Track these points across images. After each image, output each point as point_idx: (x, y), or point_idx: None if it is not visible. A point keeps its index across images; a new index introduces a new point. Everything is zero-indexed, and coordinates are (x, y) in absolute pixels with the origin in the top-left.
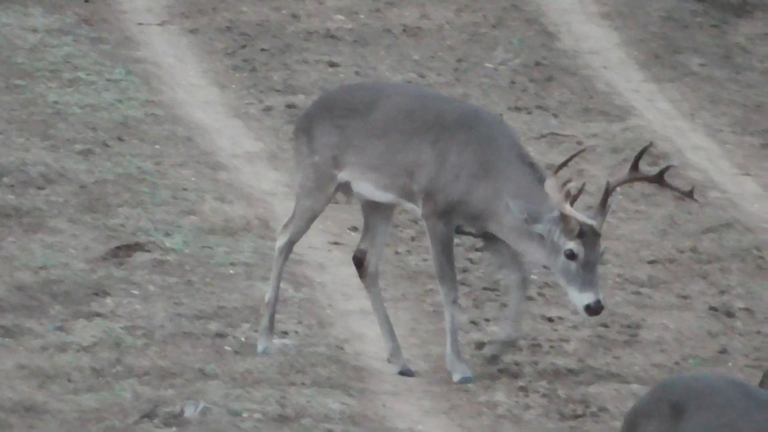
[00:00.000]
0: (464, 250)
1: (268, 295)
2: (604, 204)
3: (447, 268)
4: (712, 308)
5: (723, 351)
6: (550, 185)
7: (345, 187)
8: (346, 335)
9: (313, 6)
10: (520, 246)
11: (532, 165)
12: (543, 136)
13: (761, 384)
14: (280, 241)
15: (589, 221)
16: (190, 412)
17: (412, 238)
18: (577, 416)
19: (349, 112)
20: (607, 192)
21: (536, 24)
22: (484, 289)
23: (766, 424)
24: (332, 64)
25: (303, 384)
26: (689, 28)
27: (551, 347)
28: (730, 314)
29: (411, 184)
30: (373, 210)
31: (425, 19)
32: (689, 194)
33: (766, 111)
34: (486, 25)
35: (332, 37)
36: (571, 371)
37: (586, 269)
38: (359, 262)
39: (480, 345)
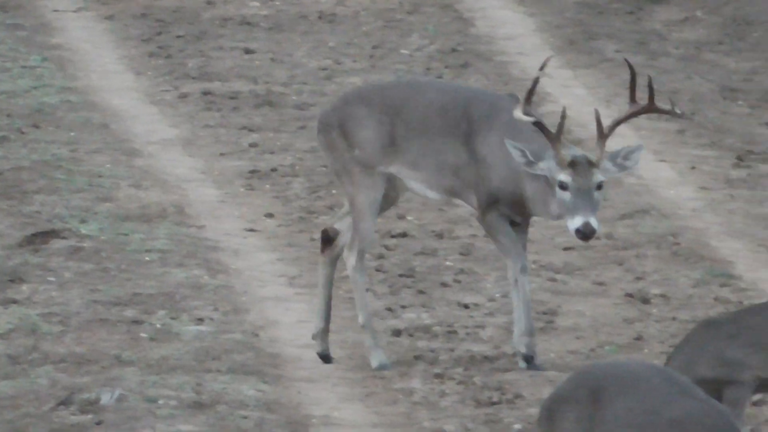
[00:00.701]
0: (380, 237)
1: (361, 319)
2: (600, 133)
3: (509, 246)
4: (628, 295)
5: (639, 338)
6: (518, 114)
7: (396, 180)
8: (262, 322)
9: None
10: (540, 207)
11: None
12: None
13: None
14: (352, 258)
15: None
16: (106, 399)
17: None
18: (493, 403)
19: (388, 108)
20: (598, 119)
21: (451, 10)
22: (400, 275)
23: (689, 410)
24: (248, 51)
25: (219, 371)
26: (605, 14)
27: (467, 334)
28: (645, 301)
29: (456, 182)
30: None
31: (341, 6)
32: (682, 114)
33: (682, 97)
34: (401, 11)
35: (248, 23)
36: (486, 358)
37: (578, 196)
38: (328, 238)
39: (396, 332)
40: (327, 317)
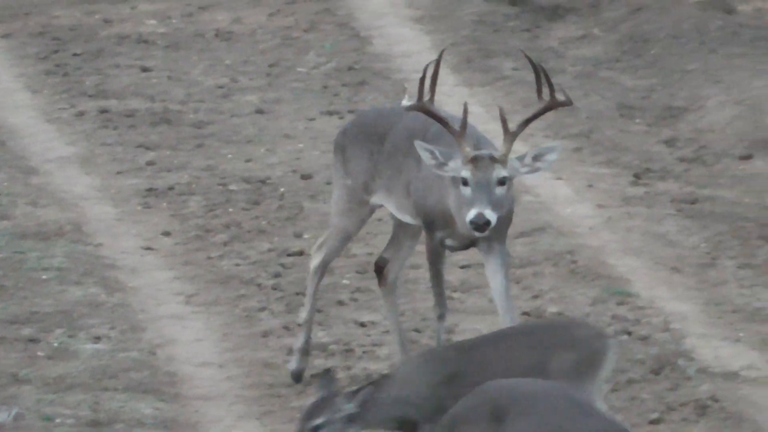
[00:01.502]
0: (276, 256)
1: (303, 316)
2: (506, 130)
3: (434, 283)
4: (525, 313)
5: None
6: (404, 102)
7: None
8: (159, 340)
9: (126, 11)
10: (462, 222)
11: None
12: None
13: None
14: (315, 260)
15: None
16: (3, 417)
17: (225, 243)
18: None
19: (376, 136)
20: (503, 117)
21: (348, 28)
22: (297, 294)
23: (593, 429)
24: (145, 69)
25: (116, 389)
26: (501, 32)
27: (364, 352)
28: (542, 318)
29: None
30: (401, 223)
31: (238, 24)
32: (572, 102)
33: (579, 115)
34: (298, 29)
35: (144, 41)
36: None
37: (476, 190)
38: (380, 269)
39: (292, 351)
40: (403, 347)
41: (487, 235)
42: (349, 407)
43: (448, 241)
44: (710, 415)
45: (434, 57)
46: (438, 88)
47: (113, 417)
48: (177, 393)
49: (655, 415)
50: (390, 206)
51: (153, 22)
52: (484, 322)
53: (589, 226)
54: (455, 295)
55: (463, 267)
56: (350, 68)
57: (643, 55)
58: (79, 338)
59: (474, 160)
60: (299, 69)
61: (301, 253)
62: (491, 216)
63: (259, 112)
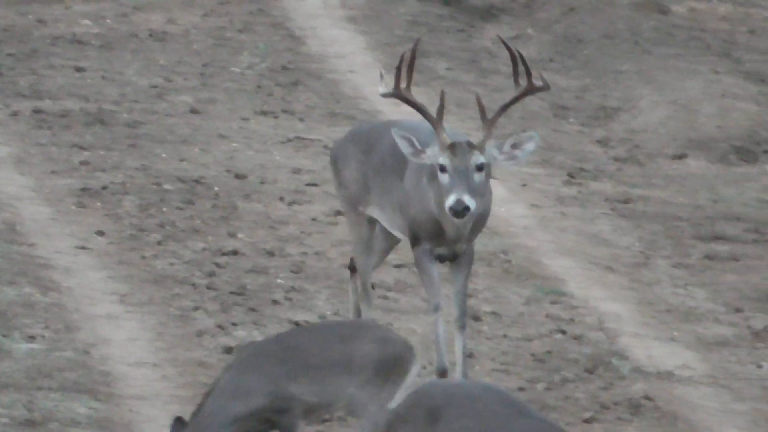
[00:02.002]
0: (211, 255)
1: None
2: (484, 117)
3: (427, 283)
4: None
5: (470, 355)
6: (381, 90)
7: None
8: (93, 339)
9: (60, 11)
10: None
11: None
12: (289, 140)
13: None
14: (356, 280)
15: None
16: None
17: (159, 242)
18: (324, 420)
19: (366, 148)
20: (480, 104)
21: (282, 28)
22: (231, 293)
23: (527, 430)
24: (79, 69)
25: (50, 388)
26: (436, 33)
27: None
28: (476, 318)
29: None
30: (385, 235)
31: (172, 24)
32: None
33: (512, 114)
34: (232, 29)
35: (79, 42)
36: None
37: (455, 176)
38: (353, 269)
39: (227, 349)
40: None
41: (466, 222)
42: None
43: (438, 251)
44: (644, 414)
45: (368, 57)
46: (372, 89)
47: (48, 416)
48: (111, 392)
49: (588, 414)
50: (383, 221)
51: (87, 22)
52: (417, 321)
53: (523, 226)
54: (389, 294)
55: (397, 266)
56: (284, 68)
57: (577, 55)
58: (13, 338)
59: (452, 147)
60: (233, 69)
61: (235, 253)
62: (470, 202)
63: (193, 111)
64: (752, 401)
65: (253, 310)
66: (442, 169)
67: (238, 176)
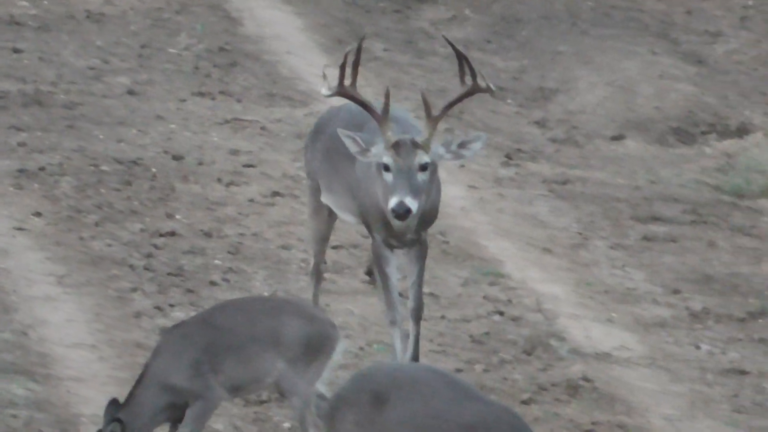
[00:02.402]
0: (149, 236)
1: None
2: (429, 115)
3: (384, 290)
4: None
5: (407, 336)
6: (324, 91)
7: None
8: (31, 321)
9: None
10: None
11: None
12: (227, 122)
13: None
14: (309, 267)
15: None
16: None
17: (97, 223)
18: (262, 402)
19: (322, 135)
20: (426, 101)
21: (219, 10)
22: (169, 274)
23: (479, 414)
24: (16, 50)
25: None
26: (372, 13)
27: None
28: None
29: (355, 204)
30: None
31: (109, 5)
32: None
33: (449, 96)
34: (170, 10)
35: (16, 23)
36: None
37: (398, 177)
38: (370, 272)
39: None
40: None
41: (409, 223)
42: None
43: (392, 241)
44: (582, 395)
45: (305, 38)
46: (309, 69)
47: None
48: (49, 374)
49: (527, 395)
50: (332, 206)
51: (24, 3)
52: (355, 303)
53: (460, 207)
54: (327, 275)
55: (335, 248)
56: (221, 49)
57: (515, 36)
58: None
59: (396, 146)
60: (170, 50)
61: (173, 234)
62: (412, 204)
63: (131, 93)
64: (690, 382)
65: (190, 291)
66: (386, 168)
67: (175, 157)
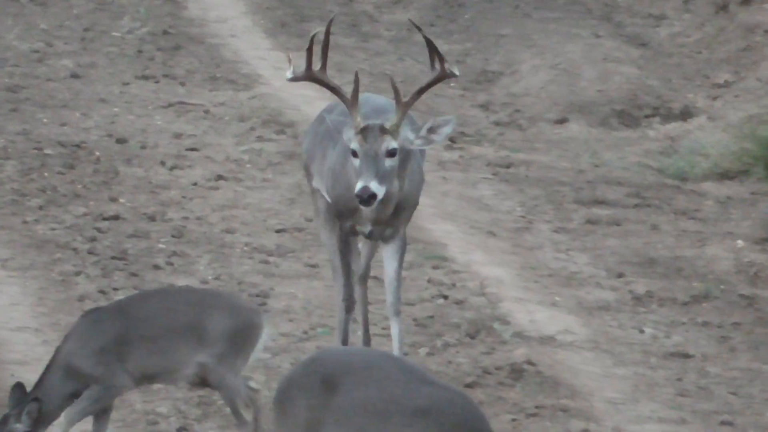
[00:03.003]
0: (92, 220)
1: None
2: (399, 101)
3: (335, 274)
4: None
5: (355, 321)
6: (288, 75)
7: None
8: None
9: None
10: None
11: None
12: (171, 105)
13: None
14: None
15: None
16: None
17: (40, 207)
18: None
19: (320, 125)
20: (395, 87)
21: None
22: (113, 258)
23: (427, 397)
24: None
25: None
26: None
27: None
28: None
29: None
30: None
31: None
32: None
33: (395, 79)
34: None
35: None
36: None
37: (364, 161)
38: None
39: None
40: (368, 334)
41: (376, 209)
42: (19, 427)
43: (359, 228)
44: (526, 379)
45: (249, 21)
46: (253, 53)
47: None
48: None
49: (471, 379)
50: (321, 190)
51: None
52: (299, 286)
53: None
54: (271, 259)
55: (278, 231)
56: (165, 33)
57: (458, 19)
58: None
59: (363, 131)
60: (114, 33)
61: (116, 218)
62: (377, 189)
63: (74, 76)
64: (633, 365)
65: (134, 275)
66: (354, 153)
67: (119, 141)
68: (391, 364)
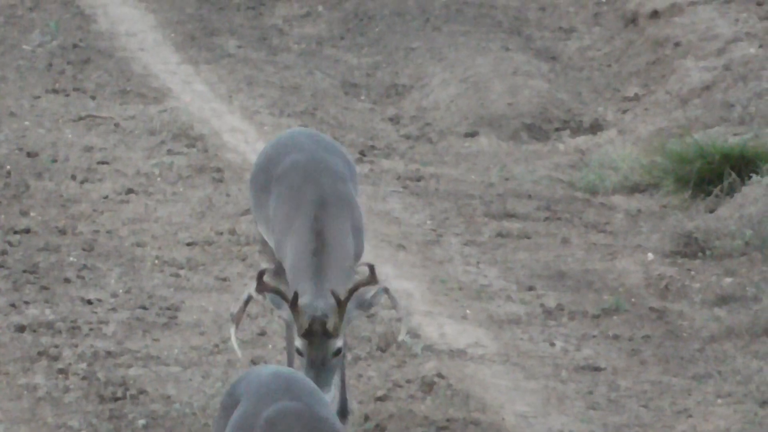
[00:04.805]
0: (3, 233)
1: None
2: (339, 304)
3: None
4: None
5: (262, 333)
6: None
7: None
8: None
9: None
10: None
11: (319, 234)
12: (81, 118)
13: None
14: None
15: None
16: None
17: None
18: (116, 398)
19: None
20: (334, 293)
21: (73, 6)
22: (24, 271)
23: (283, 410)
24: None
25: None
26: (225, 10)
27: (90, 329)
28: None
29: None
30: None
31: None
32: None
33: (303, 92)
34: (23, 7)
35: None
36: (110, 354)
37: (310, 370)
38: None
39: (19, 327)
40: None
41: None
42: None
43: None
44: (436, 392)
45: (159, 35)
46: (163, 67)
47: None
48: None
49: (381, 392)
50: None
51: None
52: (210, 300)
53: None
54: (181, 272)
55: (189, 245)
56: (75, 46)
57: (367, 33)
58: None
59: (308, 335)
60: (24, 47)
61: (27, 231)
62: (330, 396)
63: None
64: (544, 379)
65: (45, 288)
66: (299, 352)
67: (29, 154)
68: (271, 380)
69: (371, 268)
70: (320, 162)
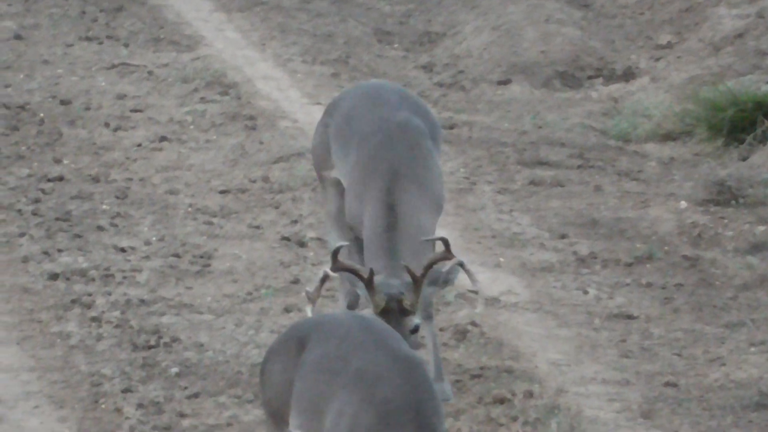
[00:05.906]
0: (36, 181)
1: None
2: (415, 281)
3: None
4: (285, 238)
5: (295, 281)
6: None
7: None
8: None
9: None
10: None
11: (392, 208)
12: (114, 66)
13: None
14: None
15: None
16: None
17: None
18: (149, 346)
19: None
20: (409, 270)
21: None
22: (57, 219)
23: (374, 362)
24: None
25: None
26: None
27: (123, 277)
28: (301, 244)
29: None
30: None
31: None
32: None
33: (336, 40)
34: None
35: None
36: (143, 301)
37: None
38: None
39: (53, 275)
40: None
41: None
42: None
43: None
44: (470, 340)
45: None
46: (195, 14)
47: None
48: None
49: None
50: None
51: None
52: (242, 247)
53: None
54: (214, 220)
55: (222, 192)
56: None
57: None
58: None
59: (384, 314)
60: None
61: (60, 179)
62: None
63: (17, 37)
64: (577, 327)
65: (78, 236)
66: None
67: (62, 102)
68: (356, 325)
69: (446, 242)
70: (400, 125)
